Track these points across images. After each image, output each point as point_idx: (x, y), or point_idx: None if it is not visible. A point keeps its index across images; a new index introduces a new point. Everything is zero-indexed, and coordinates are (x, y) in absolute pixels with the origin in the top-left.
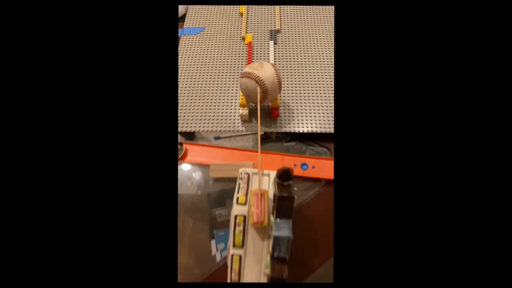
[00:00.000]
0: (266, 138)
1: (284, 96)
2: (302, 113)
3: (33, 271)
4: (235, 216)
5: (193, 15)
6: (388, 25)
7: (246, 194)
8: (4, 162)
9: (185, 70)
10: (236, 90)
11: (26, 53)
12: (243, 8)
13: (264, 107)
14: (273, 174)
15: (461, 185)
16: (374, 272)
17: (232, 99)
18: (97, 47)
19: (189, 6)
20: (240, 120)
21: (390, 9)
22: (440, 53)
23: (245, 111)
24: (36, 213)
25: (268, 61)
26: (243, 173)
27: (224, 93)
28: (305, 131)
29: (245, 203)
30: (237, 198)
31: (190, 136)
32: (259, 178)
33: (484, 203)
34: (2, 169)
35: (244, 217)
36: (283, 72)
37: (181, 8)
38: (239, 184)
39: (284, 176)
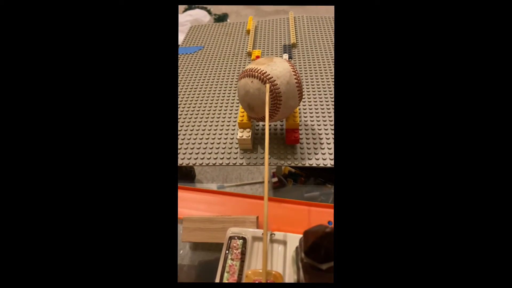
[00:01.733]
0: (280, 185)
1: (305, 116)
2: (331, 140)
3: (32, 271)
4: None
5: (191, 34)
6: (388, 25)
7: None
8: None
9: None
10: (236, 111)
11: (13, 60)
12: (250, 24)
13: (275, 128)
14: (293, 240)
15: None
16: (374, 272)
17: (230, 123)
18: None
19: (191, 26)
20: (238, 150)
21: (390, 9)
22: (442, 55)
23: (246, 134)
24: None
25: None
26: (235, 239)
27: (220, 115)
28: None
29: None
30: None
31: (188, 176)
32: (264, 248)
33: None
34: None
35: None
36: (304, 90)
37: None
38: (225, 259)
39: (322, 249)
